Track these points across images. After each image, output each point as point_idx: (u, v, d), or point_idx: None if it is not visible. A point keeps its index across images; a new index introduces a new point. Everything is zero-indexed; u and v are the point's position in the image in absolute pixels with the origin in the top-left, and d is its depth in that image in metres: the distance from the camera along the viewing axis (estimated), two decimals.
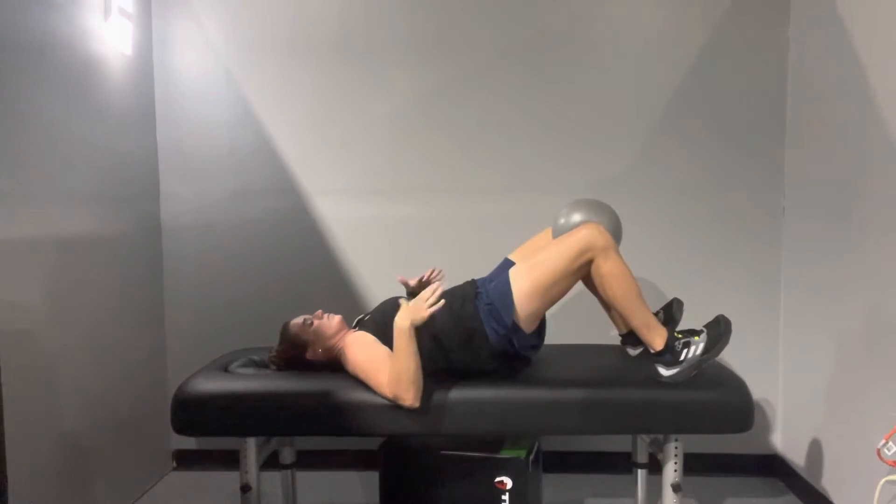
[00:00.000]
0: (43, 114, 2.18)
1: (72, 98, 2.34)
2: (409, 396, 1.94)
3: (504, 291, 2.08)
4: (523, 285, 2.06)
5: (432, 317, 2.13)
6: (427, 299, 1.97)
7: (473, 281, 2.25)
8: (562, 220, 2.22)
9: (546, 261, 2.06)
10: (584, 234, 2.04)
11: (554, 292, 2.07)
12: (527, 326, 2.10)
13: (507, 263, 2.27)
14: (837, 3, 2.39)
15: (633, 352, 2.34)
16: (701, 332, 2.04)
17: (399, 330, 1.96)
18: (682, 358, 2.01)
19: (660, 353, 2.05)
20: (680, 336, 2.05)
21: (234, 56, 2.93)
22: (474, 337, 2.10)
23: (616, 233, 2.17)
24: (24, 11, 2.09)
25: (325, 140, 2.94)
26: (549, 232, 2.31)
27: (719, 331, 2.02)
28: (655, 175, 2.87)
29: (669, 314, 2.26)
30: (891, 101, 2.08)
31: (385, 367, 1.99)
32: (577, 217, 2.18)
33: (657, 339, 2.05)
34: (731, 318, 2.06)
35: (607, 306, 2.29)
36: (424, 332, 2.13)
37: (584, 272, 2.07)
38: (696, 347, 2.01)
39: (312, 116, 2.94)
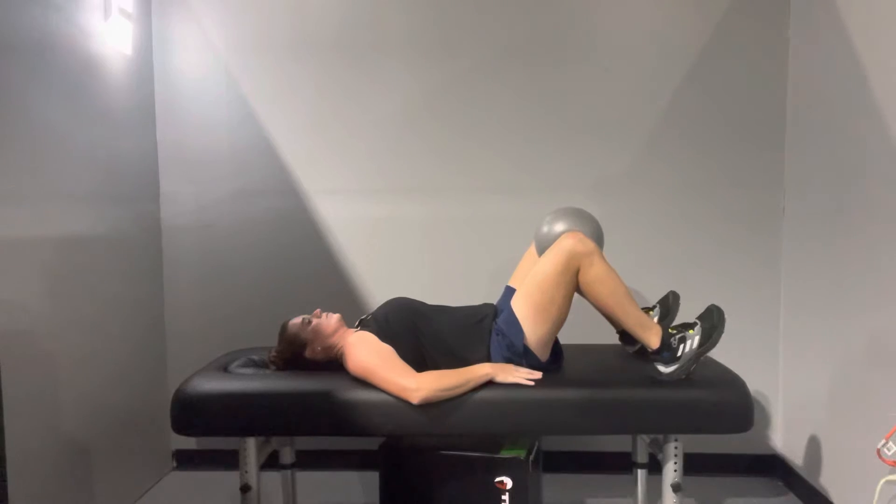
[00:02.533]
0: (43, 114, 2.18)
1: (72, 98, 2.34)
2: (421, 401, 1.95)
3: (511, 321, 2.09)
4: (526, 311, 2.07)
5: (445, 327, 2.13)
6: (523, 374, 2.02)
7: (492, 305, 2.25)
8: (545, 229, 2.23)
9: (537, 281, 2.07)
10: (566, 245, 2.04)
11: (554, 310, 2.06)
12: (541, 354, 2.10)
13: (510, 291, 2.27)
14: (837, 3, 2.39)
15: (630, 349, 2.34)
16: (695, 324, 2.04)
17: (479, 372, 2.00)
18: (679, 353, 2.02)
19: (657, 351, 2.05)
20: (675, 332, 2.05)
21: (234, 56, 2.93)
22: (477, 361, 2.11)
23: (598, 240, 2.17)
24: (24, 11, 2.09)
25: (326, 139, 2.94)
26: (532, 248, 2.32)
27: (713, 321, 2.02)
28: (656, 174, 2.87)
29: (666, 307, 2.26)
30: (891, 101, 2.08)
31: (392, 365, 2.00)
32: (559, 227, 2.19)
33: (653, 337, 2.06)
34: (730, 318, 2.06)
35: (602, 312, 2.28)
36: (437, 346, 2.14)
37: (576, 282, 2.07)
38: (692, 341, 2.01)
39: (313, 116, 2.94)
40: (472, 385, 1.99)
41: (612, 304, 2.07)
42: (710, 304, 2.10)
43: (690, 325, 2.05)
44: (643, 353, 2.20)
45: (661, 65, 2.84)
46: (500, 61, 2.88)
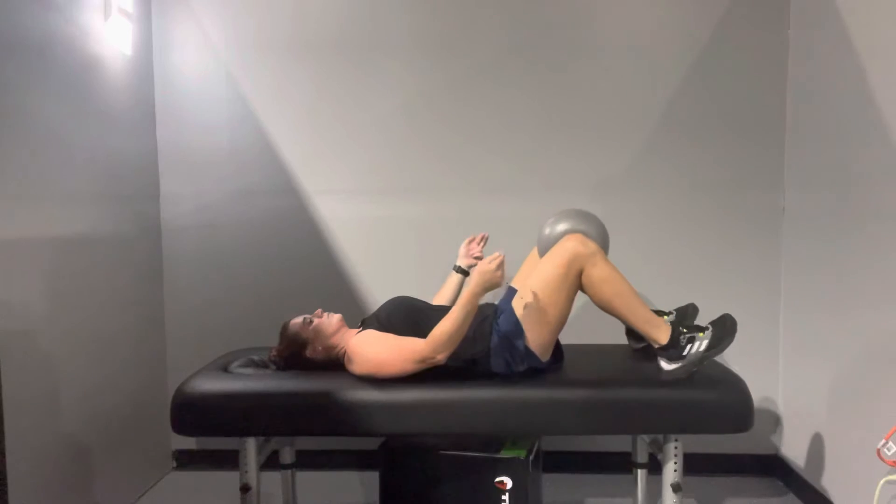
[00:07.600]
0: (43, 114, 2.18)
1: (72, 98, 2.34)
2: (443, 356, 1.97)
3: (512, 322, 2.08)
4: (527, 313, 2.06)
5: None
6: (491, 263, 1.95)
7: (493, 305, 2.25)
8: (546, 231, 2.21)
9: (538, 283, 2.07)
10: (567, 247, 2.04)
11: (555, 312, 2.06)
12: (542, 354, 2.10)
13: (512, 292, 2.27)
14: (837, 3, 2.39)
15: (637, 345, 2.33)
16: (706, 328, 2.04)
17: (472, 295, 1.95)
18: (685, 353, 2.01)
19: (664, 348, 2.05)
20: (685, 331, 2.04)
21: (234, 56, 2.93)
22: (478, 363, 2.10)
23: (603, 242, 2.16)
24: (24, 11, 2.09)
25: (326, 139, 2.94)
26: (535, 251, 2.32)
27: (725, 329, 2.02)
28: (656, 174, 2.87)
29: (683, 315, 2.25)
30: (891, 100, 2.09)
31: (397, 344, 2.01)
32: (561, 227, 2.18)
33: (661, 334, 2.05)
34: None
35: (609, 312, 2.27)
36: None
37: (577, 284, 2.07)
38: (700, 343, 2.01)
39: (313, 115, 2.93)
40: (472, 307, 1.96)
41: (618, 304, 2.06)
42: (717, 312, 2.09)
43: (701, 329, 2.04)
44: (647, 351, 2.20)
45: (662, 65, 2.84)
46: (500, 61, 2.88)
